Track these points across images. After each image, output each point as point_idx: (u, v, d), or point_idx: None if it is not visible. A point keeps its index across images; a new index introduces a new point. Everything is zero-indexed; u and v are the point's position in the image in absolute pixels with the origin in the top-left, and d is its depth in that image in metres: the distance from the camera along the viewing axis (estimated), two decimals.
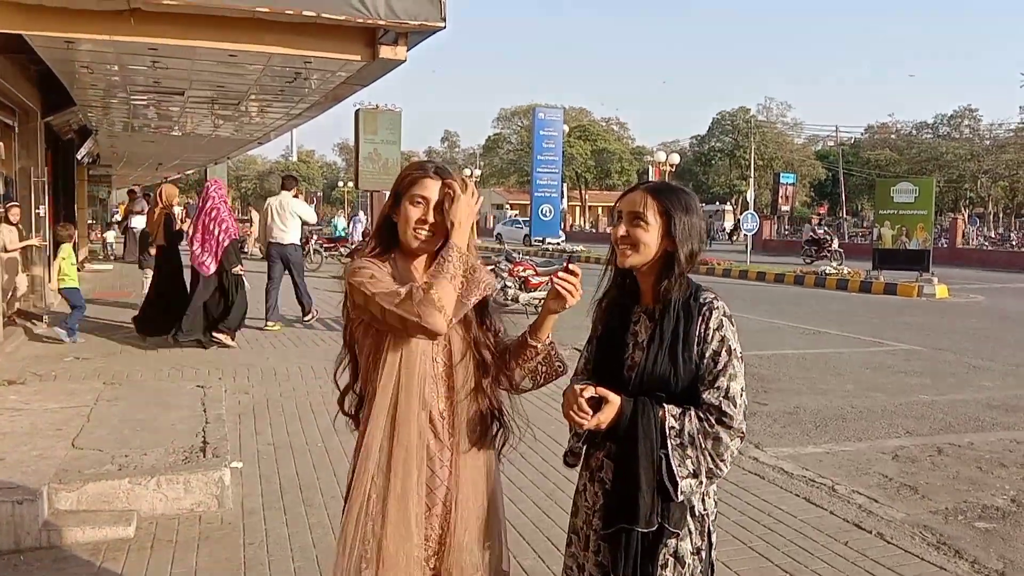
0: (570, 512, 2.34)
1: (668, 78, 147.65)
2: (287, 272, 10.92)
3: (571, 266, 2.14)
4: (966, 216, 46.41)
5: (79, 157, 17.32)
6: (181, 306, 9.13)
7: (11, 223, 9.93)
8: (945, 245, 33.46)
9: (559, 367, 2.28)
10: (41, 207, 10.93)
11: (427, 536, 2.19)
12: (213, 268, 9.13)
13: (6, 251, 9.51)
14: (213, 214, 9.19)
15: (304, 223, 11.36)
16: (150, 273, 10.63)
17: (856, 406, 7.57)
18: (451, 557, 2.19)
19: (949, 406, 7.61)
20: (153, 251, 10.23)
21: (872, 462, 5.87)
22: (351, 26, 6.63)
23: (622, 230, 2.16)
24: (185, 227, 9.63)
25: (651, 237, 2.13)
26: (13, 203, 10.37)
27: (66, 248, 9.56)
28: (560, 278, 2.12)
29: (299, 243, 11.11)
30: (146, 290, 10.44)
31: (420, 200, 2.17)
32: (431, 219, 2.17)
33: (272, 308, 10.79)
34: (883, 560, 4.09)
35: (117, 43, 6.79)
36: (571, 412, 2.10)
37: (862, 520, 4.63)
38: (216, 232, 9.16)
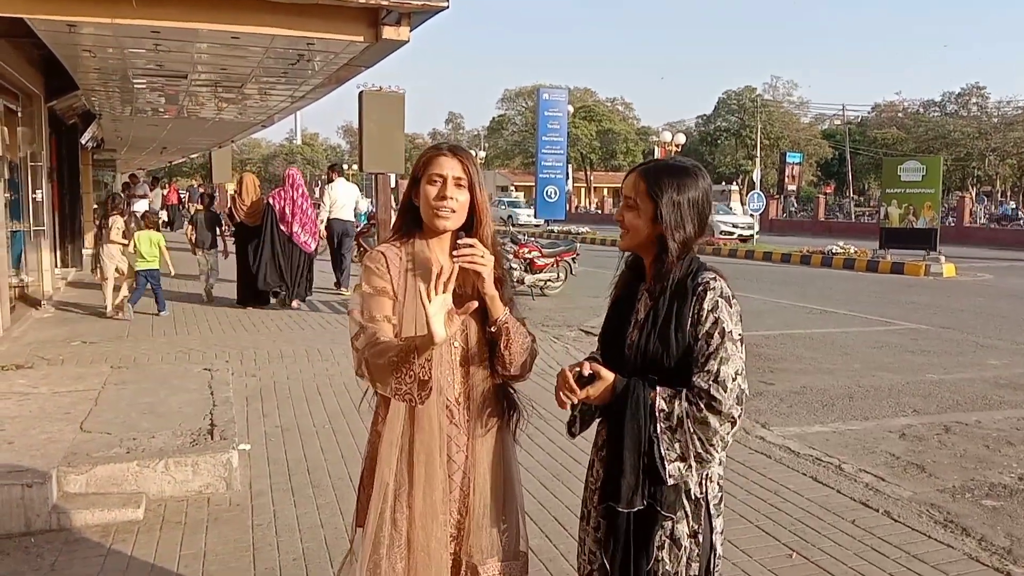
0: (583, 485, 2.34)
1: (674, 56, 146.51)
2: (337, 244, 12.71)
3: (460, 242, 2.12)
4: (973, 195, 46.19)
5: (83, 142, 17.29)
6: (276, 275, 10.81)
7: (122, 214, 10.83)
8: (952, 224, 33.32)
9: (527, 335, 2.25)
10: (39, 191, 10.95)
11: (447, 521, 2.20)
12: (314, 246, 11.13)
13: (111, 242, 10.33)
14: (310, 201, 11.08)
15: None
16: (212, 255, 11.70)
17: (863, 385, 7.56)
18: (470, 540, 2.21)
19: (956, 385, 7.60)
20: (227, 232, 11.91)
21: (879, 441, 5.87)
22: (354, 7, 6.61)
23: (617, 212, 2.18)
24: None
25: (640, 221, 2.11)
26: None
27: (158, 235, 10.40)
28: (460, 255, 2.09)
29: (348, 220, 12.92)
30: (208, 269, 11.65)
31: (437, 178, 2.18)
32: (449, 194, 2.17)
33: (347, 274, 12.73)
34: (890, 538, 4.09)
35: (119, 26, 6.77)
36: (557, 391, 2.11)
37: (869, 499, 4.63)
38: (312, 215, 11.15)
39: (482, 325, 2.22)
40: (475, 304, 2.06)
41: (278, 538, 4.01)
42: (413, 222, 2.25)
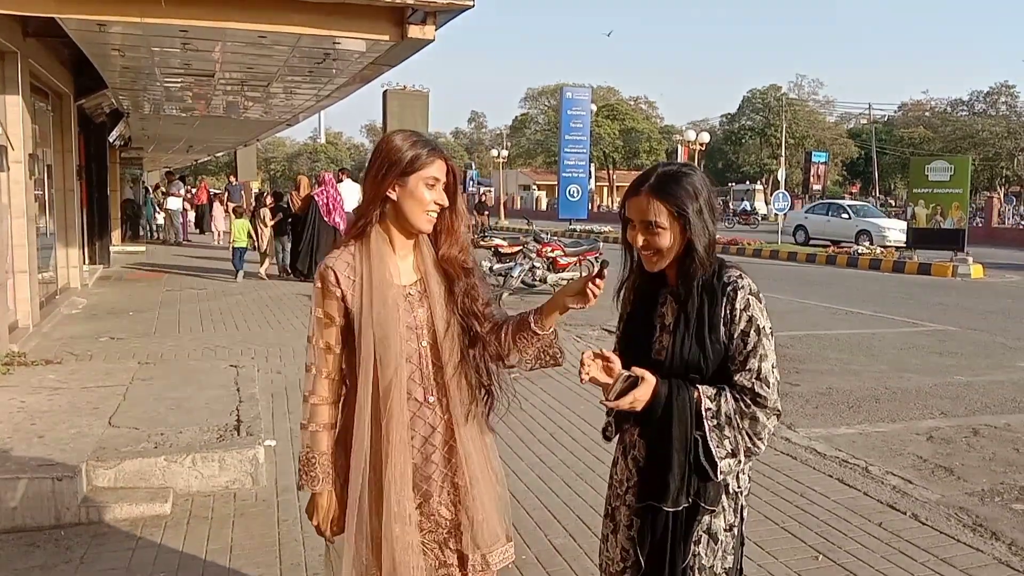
0: (607, 485, 2.34)
1: (699, 54, 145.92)
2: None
3: (605, 271, 2.09)
4: (1002, 195, 45.58)
5: (111, 140, 17.49)
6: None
7: (268, 206, 15.09)
8: (980, 224, 32.90)
9: (557, 355, 2.23)
10: (68, 188, 11.13)
11: (439, 523, 2.19)
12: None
13: (265, 225, 14.67)
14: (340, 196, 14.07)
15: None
16: (283, 240, 14.76)
17: (890, 387, 7.49)
18: (469, 535, 2.19)
19: (985, 387, 7.50)
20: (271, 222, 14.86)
21: (906, 443, 5.81)
22: (380, 6, 6.63)
23: (640, 240, 2.09)
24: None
25: (669, 241, 2.07)
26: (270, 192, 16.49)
27: (246, 223, 14.42)
28: (595, 284, 2.05)
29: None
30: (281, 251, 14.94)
31: (434, 182, 2.14)
32: (445, 202, 2.16)
33: None
34: (918, 541, 4.05)
35: (148, 25, 6.84)
36: (607, 395, 2.06)
37: (896, 501, 4.59)
38: (343, 207, 13.87)
39: (450, 310, 2.18)
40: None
41: (304, 533, 4.03)
42: (379, 216, 2.18)
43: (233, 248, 14.32)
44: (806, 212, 29.80)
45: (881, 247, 23.37)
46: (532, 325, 2.16)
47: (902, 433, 6.05)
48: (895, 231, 24.79)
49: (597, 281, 2.05)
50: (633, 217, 2.11)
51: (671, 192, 2.05)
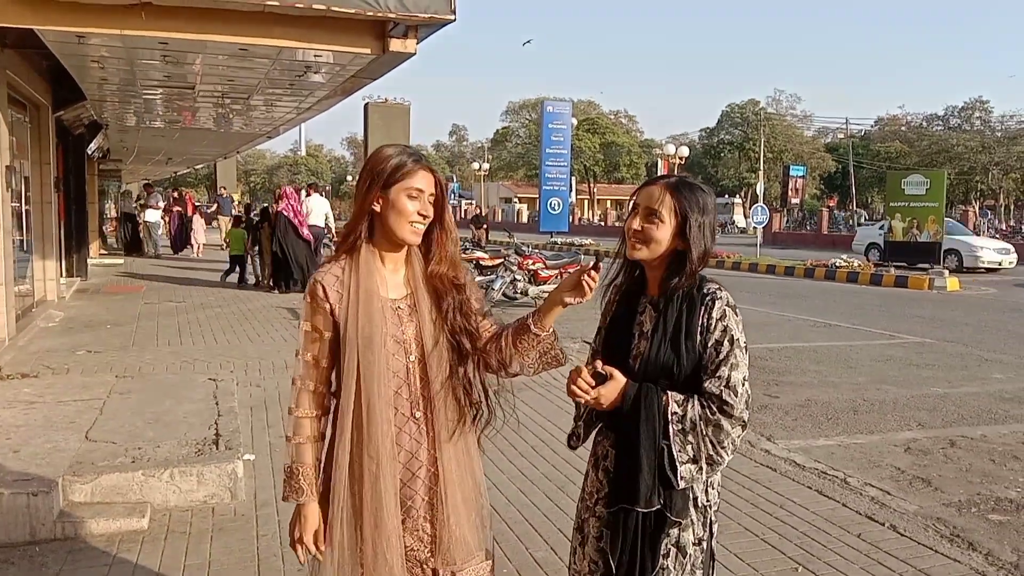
0: (578, 498, 2.36)
1: (678, 69, 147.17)
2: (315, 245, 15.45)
3: (600, 264, 2.11)
4: (977, 208, 46.21)
5: (89, 152, 17.36)
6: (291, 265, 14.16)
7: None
8: None
9: (559, 355, 2.24)
10: (46, 201, 11.05)
11: (420, 538, 2.17)
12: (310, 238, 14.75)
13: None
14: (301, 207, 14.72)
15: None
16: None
17: (868, 399, 7.55)
18: (446, 552, 2.18)
19: (961, 399, 7.58)
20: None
21: (884, 455, 5.86)
22: (361, 19, 6.64)
23: (636, 223, 2.15)
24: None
25: (663, 235, 2.12)
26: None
27: (241, 232, 15.71)
28: (591, 276, 2.07)
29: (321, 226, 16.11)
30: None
31: (417, 193, 2.13)
32: (425, 212, 2.14)
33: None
34: (896, 552, 4.08)
35: (128, 37, 6.82)
36: (571, 384, 2.10)
37: (875, 512, 4.62)
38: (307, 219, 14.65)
39: (438, 326, 2.18)
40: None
41: (283, 548, 4.00)
42: (367, 230, 2.18)
43: (231, 256, 15.79)
44: (880, 229, 24.75)
45: (970, 269, 20.40)
46: (532, 327, 2.17)
47: (880, 445, 6.10)
48: (989, 250, 21.88)
49: (592, 274, 2.08)
50: (640, 202, 2.18)
51: (683, 194, 2.14)
